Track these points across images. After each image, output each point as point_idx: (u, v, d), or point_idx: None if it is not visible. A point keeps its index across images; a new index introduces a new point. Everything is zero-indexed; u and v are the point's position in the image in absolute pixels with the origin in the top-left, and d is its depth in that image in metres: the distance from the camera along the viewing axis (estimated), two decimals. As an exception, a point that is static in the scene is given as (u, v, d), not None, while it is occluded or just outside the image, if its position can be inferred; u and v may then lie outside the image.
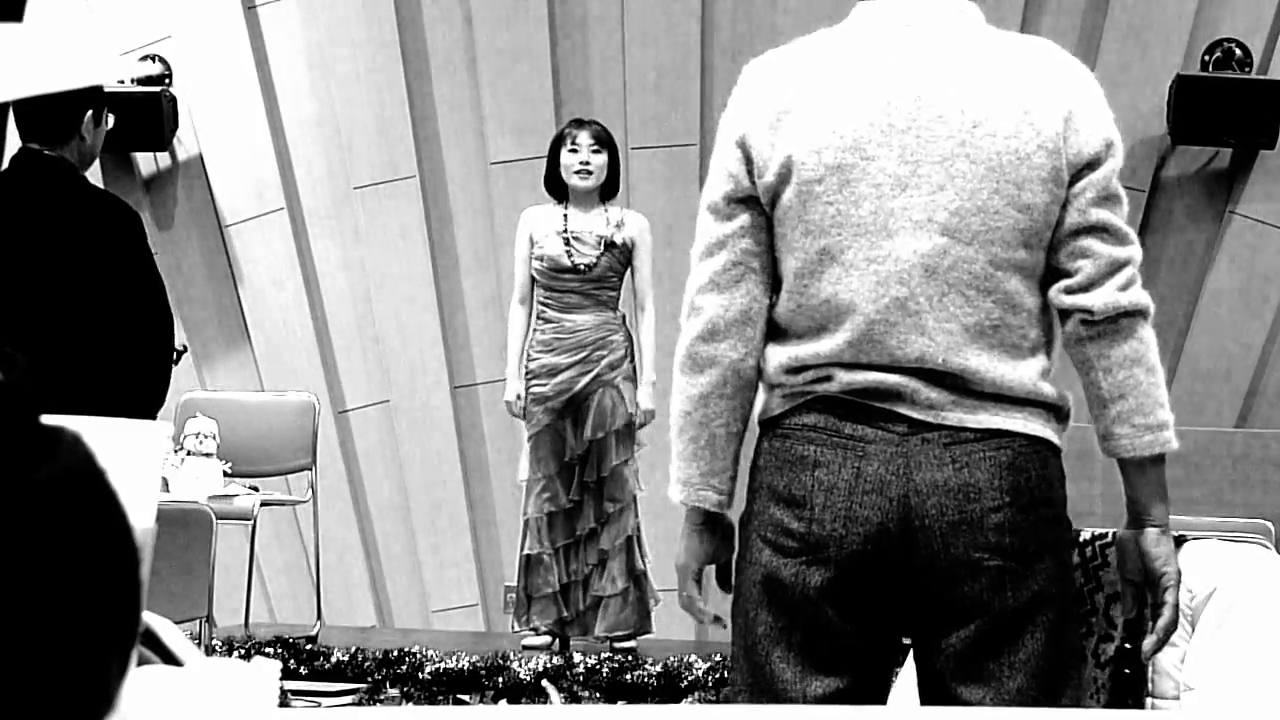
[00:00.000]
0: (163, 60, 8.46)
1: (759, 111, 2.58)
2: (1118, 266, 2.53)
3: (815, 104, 2.54)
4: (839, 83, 2.55)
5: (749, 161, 2.57)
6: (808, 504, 2.52)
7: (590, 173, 6.54)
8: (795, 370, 2.57)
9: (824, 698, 2.54)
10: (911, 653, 2.64)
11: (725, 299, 2.59)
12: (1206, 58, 8.37)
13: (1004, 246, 2.51)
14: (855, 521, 2.50)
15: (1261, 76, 8.36)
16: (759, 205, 2.58)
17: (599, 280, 6.55)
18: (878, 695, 2.60)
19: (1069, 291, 2.54)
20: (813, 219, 2.53)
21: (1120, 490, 2.63)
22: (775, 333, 2.61)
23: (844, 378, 2.52)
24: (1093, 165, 2.53)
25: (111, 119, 5.07)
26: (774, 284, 2.61)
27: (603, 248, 6.53)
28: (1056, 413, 2.57)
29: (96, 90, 4.97)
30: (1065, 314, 2.56)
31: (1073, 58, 2.63)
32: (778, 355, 2.58)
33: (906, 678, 2.66)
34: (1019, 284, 2.53)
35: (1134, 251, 2.56)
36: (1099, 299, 2.52)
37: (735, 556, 2.67)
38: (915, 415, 2.52)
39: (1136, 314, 2.54)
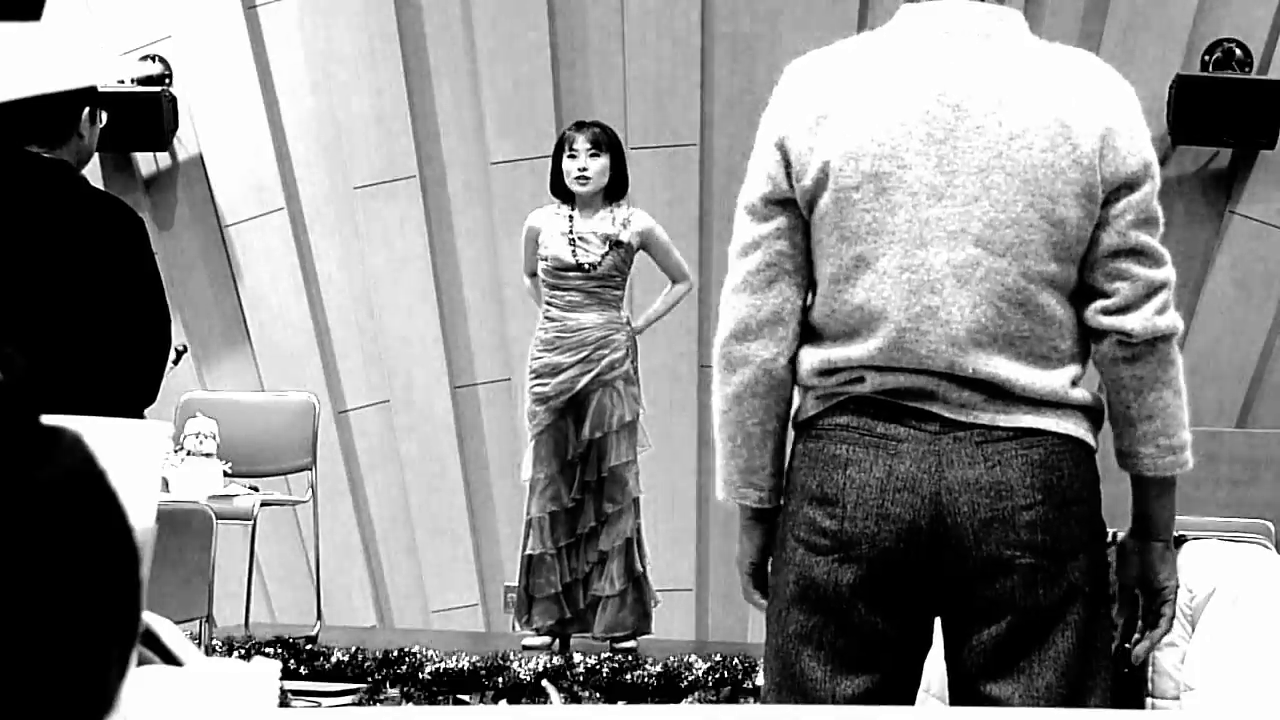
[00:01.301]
0: (163, 60, 8.45)
1: (799, 114, 2.58)
2: (1155, 289, 2.55)
3: (854, 110, 2.55)
4: (878, 89, 2.55)
5: (788, 164, 2.58)
6: (840, 502, 2.53)
7: (588, 179, 6.53)
8: (828, 373, 2.59)
9: (853, 697, 2.54)
10: (941, 646, 2.64)
11: (758, 299, 2.60)
12: (1206, 58, 8.37)
13: (1036, 259, 2.52)
14: (887, 519, 2.51)
15: (1261, 76, 8.35)
16: (796, 208, 2.59)
17: (603, 279, 6.55)
18: (907, 693, 2.60)
19: (1106, 312, 2.55)
20: (849, 225, 2.54)
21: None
22: (809, 335, 2.62)
23: (876, 378, 2.54)
24: (1131, 186, 2.54)
25: (105, 116, 5.09)
26: (809, 286, 2.63)
27: (608, 247, 6.54)
28: (1089, 414, 2.58)
29: (90, 87, 4.99)
30: (1101, 334, 2.57)
31: (1114, 73, 2.62)
32: (810, 358, 2.60)
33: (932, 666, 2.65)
34: (1050, 297, 2.54)
35: (1169, 274, 2.58)
36: (1138, 322, 2.54)
37: (772, 557, 2.67)
38: (947, 414, 2.53)
39: (1171, 337, 2.57)
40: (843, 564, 2.52)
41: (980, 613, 2.53)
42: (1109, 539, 2.69)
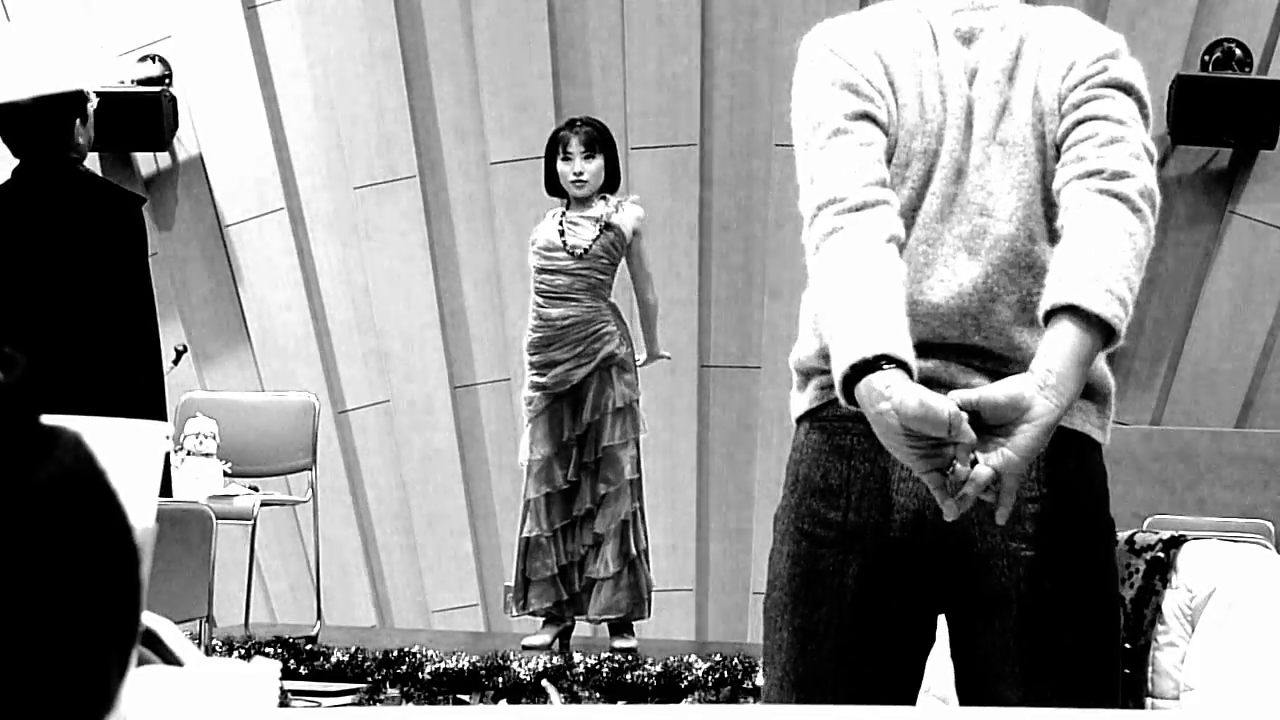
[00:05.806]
0: (163, 60, 8.46)
1: (860, 51, 2.53)
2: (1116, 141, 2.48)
3: (902, 82, 2.53)
4: (914, 65, 2.54)
5: (867, 77, 2.51)
6: (844, 493, 2.50)
7: (585, 182, 6.62)
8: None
9: (856, 694, 2.51)
10: (944, 645, 2.62)
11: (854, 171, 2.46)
12: (1206, 58, 8.37)
13: (1038, 221, 2.51)
14: (892, 509, 2.48)
15: (1261, 76, 8.36)
16: (882, 127, 2.50)
17: (592, 262, 6.58)
18: (909, 691, 2.57)
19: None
20: None
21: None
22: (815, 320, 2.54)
23: None
24: (1087, 79, 2.52)
25: (95, 101, 5.12)
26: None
27: (599, 230, 6.59)
28: (1097, 400, 2.53)
29: (76, 93, 5.03)
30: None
31: (1097, 25, 2.64)
32: (816, 343, 2.51)
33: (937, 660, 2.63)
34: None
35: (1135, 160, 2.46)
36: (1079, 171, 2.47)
37: (770, 550, 2.64)
38: None
39: (1127, 188, 2.43)
40: (848, 555, 2.50)
41: (985, 606, 2.50)
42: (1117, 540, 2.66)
